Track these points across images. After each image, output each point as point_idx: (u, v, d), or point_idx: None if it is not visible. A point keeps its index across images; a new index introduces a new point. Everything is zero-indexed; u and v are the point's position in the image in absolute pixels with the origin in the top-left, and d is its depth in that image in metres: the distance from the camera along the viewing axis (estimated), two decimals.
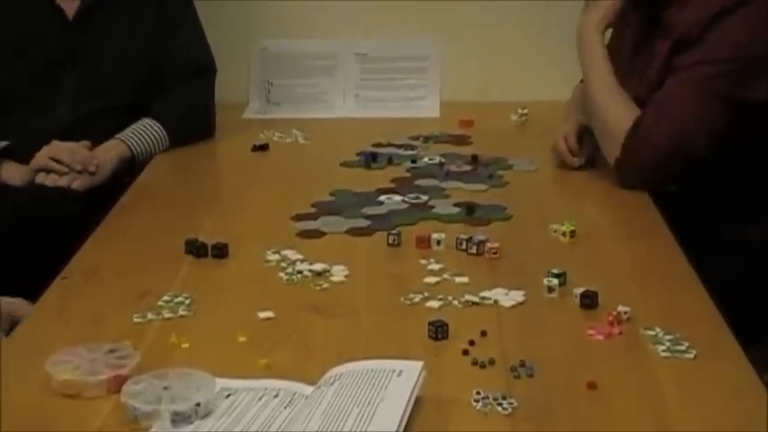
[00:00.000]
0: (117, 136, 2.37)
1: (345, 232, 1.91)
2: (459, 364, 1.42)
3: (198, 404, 1.28)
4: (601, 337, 1.49)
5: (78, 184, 2.26)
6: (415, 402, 1.28)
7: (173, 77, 2.46)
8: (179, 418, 1.27)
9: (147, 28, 2.45)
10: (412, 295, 1.62)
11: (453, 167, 2.25)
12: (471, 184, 2.15)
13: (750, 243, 2.04)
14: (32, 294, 1.70)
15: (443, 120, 2.66)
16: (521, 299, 1.61)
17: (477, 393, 1.32)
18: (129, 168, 2.36)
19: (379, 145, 2.42)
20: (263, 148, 2.44)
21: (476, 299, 1.61)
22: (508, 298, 1.61)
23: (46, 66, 2.39)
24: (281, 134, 2.54)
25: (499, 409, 1.30)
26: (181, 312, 1.58)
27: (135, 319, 1.56)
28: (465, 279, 1.68)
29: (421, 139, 2.47)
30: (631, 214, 1.98)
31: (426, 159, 2.31)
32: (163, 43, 2.46)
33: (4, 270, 2.02)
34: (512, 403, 1.30)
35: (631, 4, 2.18)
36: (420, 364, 1.33)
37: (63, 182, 2.26)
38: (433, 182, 2.16)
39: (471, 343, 1.46)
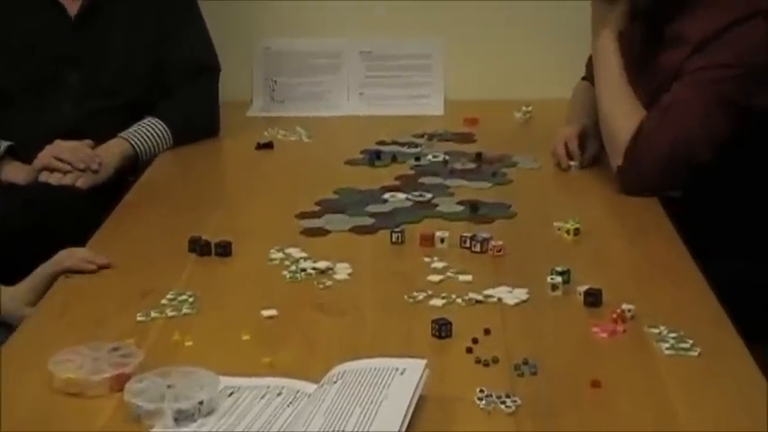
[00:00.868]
0: (120, 134, 2.37)
1: (349, 230, 1.91)
2: (463, 363, 1.41)
3: (201, 402, 1.28)
4: (605, 335, 1.49)
5: (82, 182, 2.26)
6: (419, 401, 1.28)
7: (177, 76, 2.46)
8: (182, 417, 1.27)
9: (151, 26, 2.45)
10: (415, 293, 1.62)
11: (457, 165, 2.25)
12: (475, 182, 2.15)
13: (755, 244, 2.03)
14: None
15: (447, 118, 2.66)
16: (524, 297, 1.61)
17: (481, 391, 1.32)
18: (133, 167, 2.36)
19: (383, 143, 2.41)
20: (267, 146, 2.43)
21: (479, 297, 1.61)
22: (512, 296, 1.61)
23: (50, 65, 2.39)
24: (286, 132, 2.54)
25: (502, 407, 1.29)
26: (184, 311, 1.58)
27: (138, 318, 1.56)
28: (469, 277, 1.68)
29: (425, 136, 2.47)
30: (635, 212, 1.98)
31: (430, 157, 2.31)
32: (167, 42, 2.45)
33: (9, 268, 2.02)
34: (515, 401, 1.30)
35: (629, 17, 2.15)
36: (423, 362, 1.33)
37: (67, 180, 2.26)
38: (437, 180, 2.16)
39: (475, 341, 1.46)
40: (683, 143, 2.01)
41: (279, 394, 1.33)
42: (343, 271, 1.71)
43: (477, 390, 1.32)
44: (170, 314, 1.57)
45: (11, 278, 1.86)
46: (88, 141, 2.31)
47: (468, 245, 1.79)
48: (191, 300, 1.62)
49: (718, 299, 1.59)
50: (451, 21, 2.82)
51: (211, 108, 2.52)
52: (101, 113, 2.38)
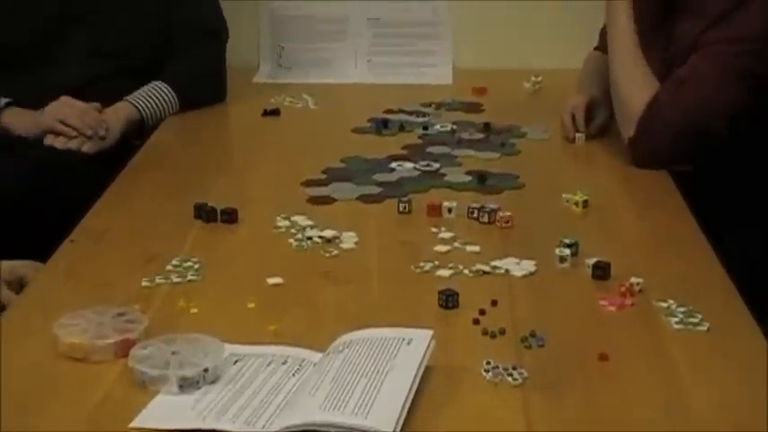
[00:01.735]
0: (126, 98, 2.36)
1: (356, 199, 1.89)
2: (470, 334, 1.41)
3: (206, 369, 1.28)
4: (613, 309, 1.48)
5: (88, 147, 2.25)
6: (425, 371, 1.27)
7: (184, 40, 2.44)
8: (187, 384, 1.27)
9: None
10: (422, 263, 1.61)
11: (465, 135, 2.23)
12: (483, 152, 2.13)
13: (766, 219, 2.01)
14: (41, 256, 1.69)
15: (456, 87, 2.64)
16: (532, 269, 1.59)
17: (488, 363, 1.31)
18: (139, 131, 2.34)
19: (390, 111, 2.40)
20: (273, 112, 2.42)
21: (487, 268, 1.60)
22: (519, 267, 1.60)
23: (55, 22, 2.36)
24: (292, 99, 2.52)
25: (509, 379, 1.29)
26: (189, 277, 1.57)
27: (143, 283, 1.55)
28: (476, 248, 1.67)
29: (433, 106, 2.45)
30: (645, 185, 1.96)
31: (438, 127, 2.29)
32: (175, 6, 2.43)
33: (14, 231, 2.01)
34: (522, 373, 1.29)
35: None
36: (430, 332, 1.32)
37: (73, 144, 2.24)
38: (445, 149, 2.15)
39: (482, 312, 1.45)
40: (698, 115, 1.99)
41: (284, 363, 1.32)
42: (349, 240, 1.70)
43: (484, 361, 1.31)
44: (175, 280, 1.56)
45: (15, 242, 1.85)
46: (96, 105, 2.29)
47: (475, 215, 1.78)
48: (196, 266, 1.61)
49: (729, 273, 1.57)
50: None
51: (218, 74, 2.50)
52: (107, 75, 2.36)
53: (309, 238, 1.70)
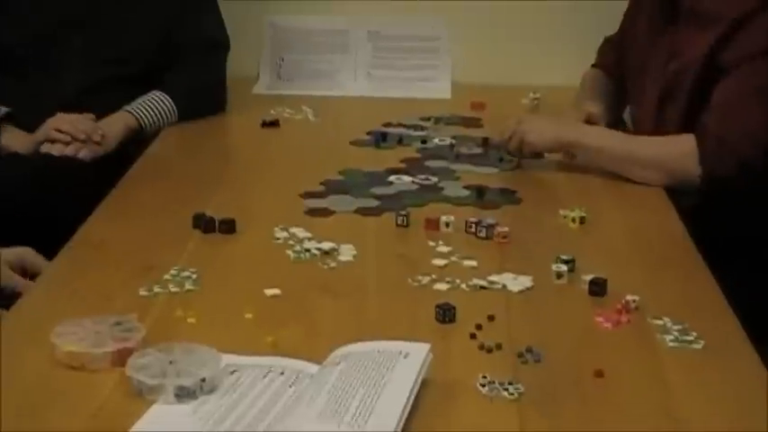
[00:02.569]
0: (125, 107, 2.36)
1: (354, 211, 1.90)
2: (466, 348, 1.41)
3: (203, 379, 1.28)
4: (609, 325, 1.48)
5: (84, 153, 2.25)
6: (421, 385, 1.27)
7: (186, 51, 2.44)
8: (184, 393, 1.27)
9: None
10: (420, 277, 1.62)
11: (464, 150, 2.24)
12: (482, 167, 2.14)
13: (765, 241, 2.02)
14: None
15: (455, 101, 2.65)
16: (529, 284, 1.60)
17: (484, 378, 1.32)
18: (137, 140, 2.35)
19: (389, 125, 2.41)
20: (272, 124, 2.42)
21: (484, 283, 1.60)
22: (516, 283, 1.60)
23: (54, 25, 2.36)
24: (292, 111, 2.53)
25: (505, 394, 1.29)
26: (187, 287, 1.58)
27: (141, 293, 1.55)
28: (473, 262, 1.67)
29: (432, 120, 2.46)
30: (642, 203, 1.97)
31: (437, 141, 2.30)
32: (177, 16, 2.44)
33: (12, 238, 2.01)
34: (518, 389, 1.30)
35: None
36: (427, 346, 1.33)
37: (68, 151, 2.24)
38: (443, 163, 2.15)
39: (478, 327, 1.45)
40: (758, 136, 1.96)
41: (281, 374, 1.32)
42: (347, 252, 1.71)
43: (480, 376, 1.32)
44: (173, 290, 1.57)
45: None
46: (90, 115, 2.30)
47: (473, 230, 1.79)
48: (194, 276, 1.61)
49: (728, 294, 1.58)
50: (461, 3, 2.80)
51: (219, 86, 2.51)
52: (104, 82, 2.36)
53: (307, 250, 1.71)
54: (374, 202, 1.94)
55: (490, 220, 1.79)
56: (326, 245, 1.72)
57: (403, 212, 1.83)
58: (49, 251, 1.72)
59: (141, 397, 1.27)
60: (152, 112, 2.37)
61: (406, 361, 1.30)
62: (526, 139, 2.09)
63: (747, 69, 1.99)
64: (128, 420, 1.23)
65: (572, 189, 2.05)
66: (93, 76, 2.37)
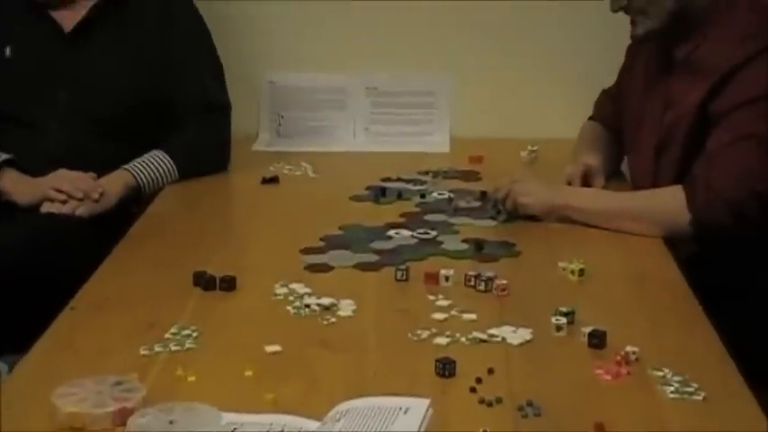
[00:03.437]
0: (124, 166, 2.37)
1: (354, 267, 1.91)
2: (467, 402, 1.41)
3: None
4: (609, 378, 1.48)
5: (82, 210, 2.26)
6: None
7: (188, 112, 2.45)
8: None
9: (150, 54, 2.43)
10: (419, 331, 1.62)
11: (462, 203, 2.25)
12: (480, 220, 2.15)
13: (763, 288, 2.02)
14: (40, 324, 1.69)
15: (453, 155, 2.66)
16: (528, 337, 1.60)
17: None
18: (136, 199, 2.36)
19: (388, 179, 2.42)
20: (272, 180, 2.44)
21: (483, 336, 1.60)
22: (516, 336, 1.60)
23: (39, 81, 2.38)
24: (291, 167, 2.54)
25: None
26: (188, 345, 1.58)
27: (142, 352, 1.56)
28: (473, 316, 1.68)
29: (430, 174, 2.47)
30: (641, 255, 1.97)
31: (435, 194, 2.31)
32: (178, 80, 2.44)
33: (13, 298, 2.02)
34: None
35: (649, 36, 2.14)
36: (427, 401, 1.33)
37: (66, 209, 2.26)
38: (442, 217, 2.16)
39: (479, 381, 1.45)
40: (746, 181, 1.98)
41: (281, 431, 1.32)
42: (347, 307, 1.71)
43: (481, 430, 1.32)
44: (173, 348, 1.57)
45: (15, 309, 1.86)
46: (92, 174, 2.31)
47: (472, 283, 1.79)
48: (194, 334, 1.61)
49: (727, 342, 1.58)
50: (458, 58, 2.83)
51: (221, 147, 2.50)
52: (91, 138, 2.36)
53: (307, 306, 1.71)
54: (374, 257, 1.94)
55: (489, 273, 1.79)
56: (326, 300, 1.72)
57: (402, 267, 1.84)
58: (49, 310, 1.72)
59: None
60: (151, 172, 2.38)
61: (407, 417, 1.30)
62: (520, 200, 2.11)
63: (735, 118, 2.02)
64: None
65: (571, 241, 2.06)
66: (77, 130, 2.36)
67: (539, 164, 2.60)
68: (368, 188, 2.35)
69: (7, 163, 2.32)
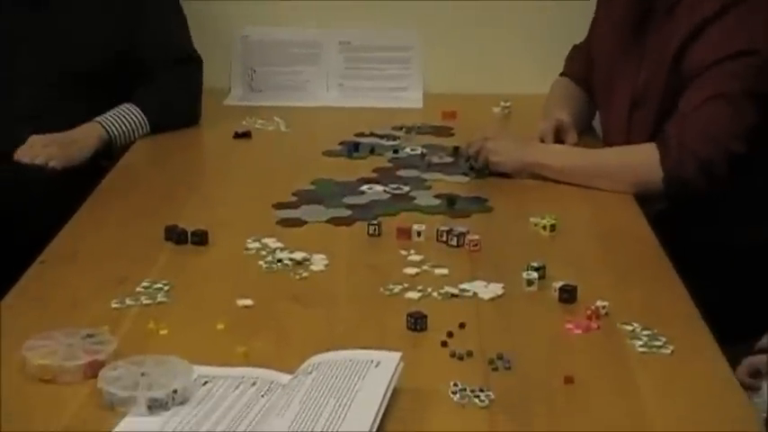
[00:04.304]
0: (95, 119, 2.35)
1: (326, 221, 1.91)
2: (438, 356, 1.42)
3: (175, 391, 1.28)
4: (579, 332, 1.49)
5: (55, 162, 2.24)
6: (393, 393, 1.28)
7: (157, 64, 2.44)
8: (155, 405, 1.27)
9: (119, 11, 2.40)
10: (391, 286, 1.62)
11: (435, 159, 2.25)
12: (453, 175, 2.15)
13: (735, 245, 2.04)
14: (10, 278, 1.69)
15: (426, 111, 2.66)
16: (500, 292, 1.61)
17: (455, 385, 1.32)
18: (107, 152, 2.34)
19: (361, 135, 2.41)
20: (244, 135, 2.43)
21: (455, 291, 1.61)
22: (487, 290, 1.61)
23: (4, 41, 2.36)
24: (264, 122, 2.53)
25: (476, 401, 1.30)
26: (159, 299, 1.58)
27: (113, 305, 1.55)
28: (445, 271, 1.68)
29: (403, 129, 2.47)
30: (612, 210, 1.99)
31: (408, 150, 2.31)
32: (143, 30, 2.42)
33: None
34: (489, 395, 1.31)
35: None
36: (398, 355, 1.34)
37: (40, 160, 2.24)
38: (415, 173, 2.16)
39: (450, 335, 1.46)
40: (718, 139, 1.99)
41: (253, 384, 1.33)
42: (319, 262, 1.71)
43: (452, 383, 1.33)
44: (145, 302, 1.57)
45: None
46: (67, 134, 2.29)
47: (444, 239, 1.80)
48: (166, 288, 1.61)
49: (697, 298, 1.59)
50: (432, 14, 2.81)
51: (192, 100, 2.49)
52: (61, 96, 2.34)
53: (279, 261, 1.71)
54: (346, 212, 1.94)
55: (461, 229, 1.80)
56: (298, 255, 1.72)
57: (374, 222, 1.84)
58: (20, 262, 1.71)
59: (113, 409, 1.27)
60: (122, 124, 2.37)
61: (378, 370, 1.30)
62: (491, 158, 2.11)
63: (706, 77, 2.02)
64: None
65: (542, 196, 2.06)
66: (47, 89, 2.35)
67: (511, 119, 2.60)
68: (341, 143, 2.34)
69: None
